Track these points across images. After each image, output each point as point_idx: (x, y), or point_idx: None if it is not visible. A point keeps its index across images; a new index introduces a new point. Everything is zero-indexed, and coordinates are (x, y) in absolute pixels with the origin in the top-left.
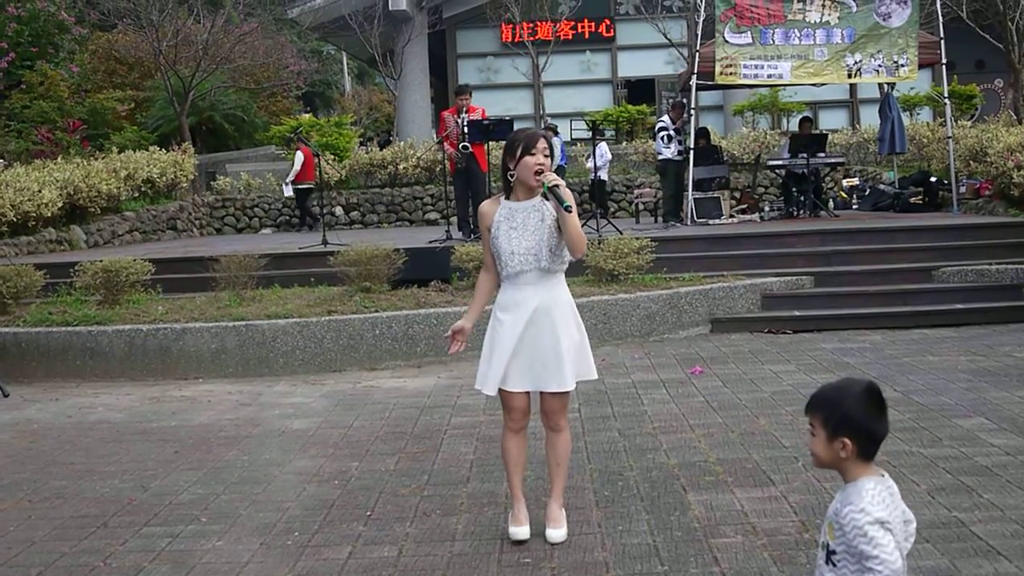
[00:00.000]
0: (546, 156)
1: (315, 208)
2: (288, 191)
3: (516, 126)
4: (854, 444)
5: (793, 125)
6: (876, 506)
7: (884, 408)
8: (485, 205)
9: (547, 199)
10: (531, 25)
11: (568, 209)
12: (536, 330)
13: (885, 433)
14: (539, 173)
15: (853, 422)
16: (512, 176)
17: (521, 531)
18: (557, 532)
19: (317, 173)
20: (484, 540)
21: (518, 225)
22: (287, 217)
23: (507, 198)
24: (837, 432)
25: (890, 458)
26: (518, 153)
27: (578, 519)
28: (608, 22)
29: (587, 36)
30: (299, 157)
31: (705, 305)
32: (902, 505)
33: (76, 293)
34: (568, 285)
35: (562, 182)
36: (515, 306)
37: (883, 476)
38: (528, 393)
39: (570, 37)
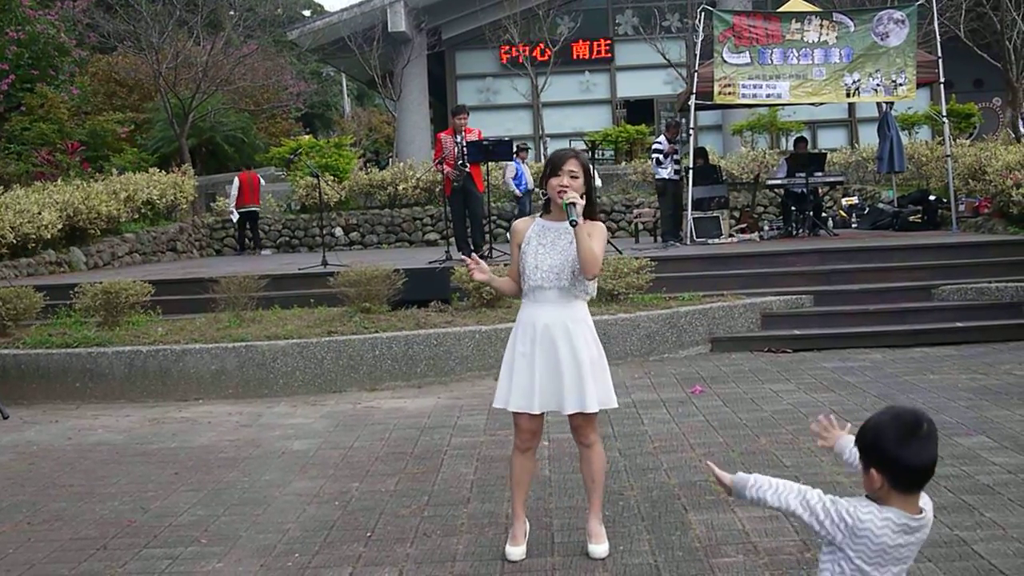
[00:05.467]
0: (573, 177)
1: (248, 235)
2: (235, 216)
3: (515, 146)
4: (883, 476)
5: (792, 144)
6: (863, 519)
7: (916, 435)
8: (519, 222)
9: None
10: (529, 46)
11: (574, 223)
12: (549, 347)
13: (919, 462)
14: (561, 193)
15: (878, 453)
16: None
17: (516, 551)
18: (599, 548)
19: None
20: (485, 561)
21: (547, 243)
22: (287, 238)
23: (542, 216)
24: (867, 464)
25: None
26: (547, 173)
27: (579, 539)
28: (608, 42)
29: (587, 56)
30: (235, 183)
31: (705, 324)
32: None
33: (76, 315)
34: None
35: (580, 201)
36: (530, 323)
37: (920, 514)
38: (541, 415)
39: (572, 57)
